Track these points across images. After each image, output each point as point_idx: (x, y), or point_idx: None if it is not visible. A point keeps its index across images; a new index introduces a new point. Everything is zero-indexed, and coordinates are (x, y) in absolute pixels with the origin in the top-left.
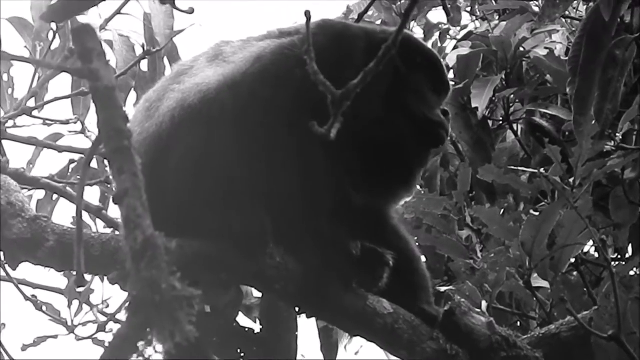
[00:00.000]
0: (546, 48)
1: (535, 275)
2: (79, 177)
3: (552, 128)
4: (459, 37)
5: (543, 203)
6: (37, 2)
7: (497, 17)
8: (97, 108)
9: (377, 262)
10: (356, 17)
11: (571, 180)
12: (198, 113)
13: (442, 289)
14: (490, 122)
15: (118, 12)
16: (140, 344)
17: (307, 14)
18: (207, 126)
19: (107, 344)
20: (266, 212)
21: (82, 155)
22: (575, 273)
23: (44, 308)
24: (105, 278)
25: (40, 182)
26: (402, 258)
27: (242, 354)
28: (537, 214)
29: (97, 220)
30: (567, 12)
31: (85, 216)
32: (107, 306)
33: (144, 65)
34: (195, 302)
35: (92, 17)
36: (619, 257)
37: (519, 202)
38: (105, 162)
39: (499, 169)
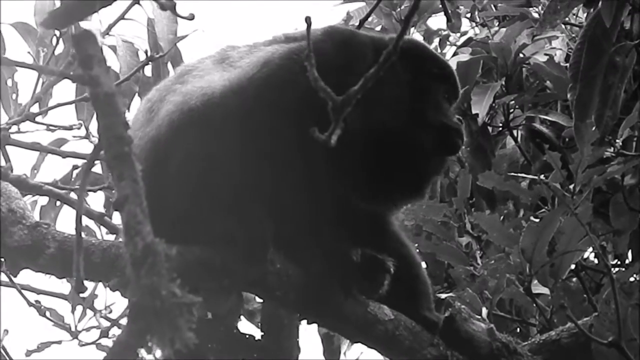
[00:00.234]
0: (546, 54)
1: (536, 281)
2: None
3: (552, 134)
4: (458, 43)
5: (543, 210)
6: (40, 8)
7: (497, 24)
8: (98, 114)
9: (377, 269)
10: (356, 24)
11: (571, 186)
12: (200, 116)
13: (443, 295)
14: (490, 129)
15: (122, 17)
16: (140, 350)
17: (308, 20)
18: (209, 130)
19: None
20: (267, 219)
21: (86, 161)
22: (575, 279)
23: (47, 313)
24: (107, 285)
25: (43, 189)
26: (402, 264)
27: None
28: (537, 220)
29: (101, 226)
30: (566, 19)
31: (90, 223)
32: (110, 312)
33: (148, 70)
34: (195, 309)
35: (94, 22)
36: (619, 263)
37: (519, 208)
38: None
39: (499, 175)
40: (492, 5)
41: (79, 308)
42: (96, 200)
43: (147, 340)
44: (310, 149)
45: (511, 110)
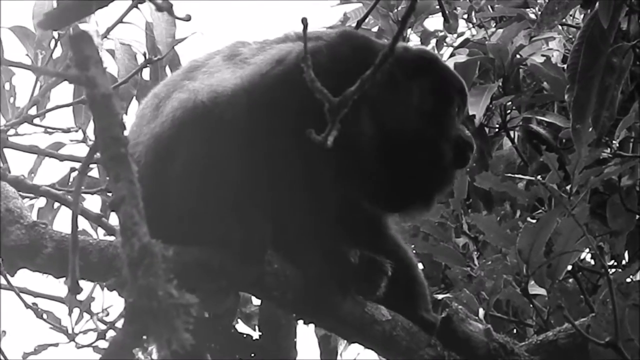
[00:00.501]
0: (543, 55)
1: (532, 282)
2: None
3: (549, 135)
4: (455, 44)
5: (540, 210)
6: (38, 10)
7: (494, 25)
8: (94, 116)
9: (375, 270)
10: (353, 24)
11: (568, 187)
12: (208, 114)
13: (440, 296)
14: (487, 130)
15: (120, 20)
16: (137, 351)
17: (304, 22)
18: (217, 128)
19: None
20: (267, 219)
21: (82, 162)
22: (572, 280)
23: (44, 316)
24: (104, 285)
25: (40, 190)
26: (399, 266)
27: None
28: (534, 221)
29: (98, 228)
30: (564, 20)
31: (86, 224)
32: (108, 314)
33: (146, 73)
34: (192, 310)
35: (91, 24)
36: (616, 264)
37: (516, 209)
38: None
39: (496, 176)
40: (489, 6)
41: (76, 311)
42: (93, 204)
43: (143, 341)
44: (322, 151)
45: (508, 111)
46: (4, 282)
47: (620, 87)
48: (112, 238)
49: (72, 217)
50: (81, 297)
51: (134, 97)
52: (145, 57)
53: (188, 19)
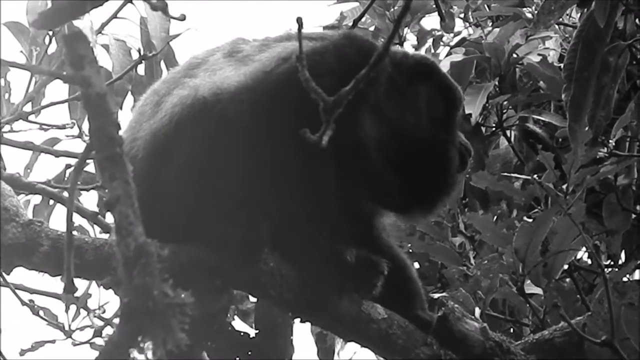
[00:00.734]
0: (539, 55)
1: (529, 281)
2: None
3: (545, 134)
4: (452, 43)
5: (536, 210)
6: (32, 7)
7: (490, 24)
8: (89, 115)
9: (372, 269)
10: (350, 24)
11: (564, 186)
12: (209, 110)
13: (436, 295)
14: (483, 129)
15: (114, 16)
16: (132, 350)
17: (299, 21)
18: (217, 125)
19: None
20: (264, 218)
21: (78, 160)
22: (568, 279)
23: (41, 313)
24: (100, 283)
25: (36, 187)
26: (394, 266)
27: (237, 359)
28: (530, 220)
29: (94, 226)
30: (560, 19)
31: (83, 222)
32: (104, 311)
33: (141, 69)
34: (188, 309)
35: (86, 22)
36: (612, 263)
37: (512, 208)
38: None
39: (492, 175)
40: (486, 6)
41: (73, 307)
42: (89, 200)
43: (139, 340)
44: (326, 151)
45: (504, 111)
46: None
47: (616, 87)
48: (107, 236)
49: (67, 214)
50: (78, 294)
51: (129, 93)
52: (140, 52)
53: (183, 18)
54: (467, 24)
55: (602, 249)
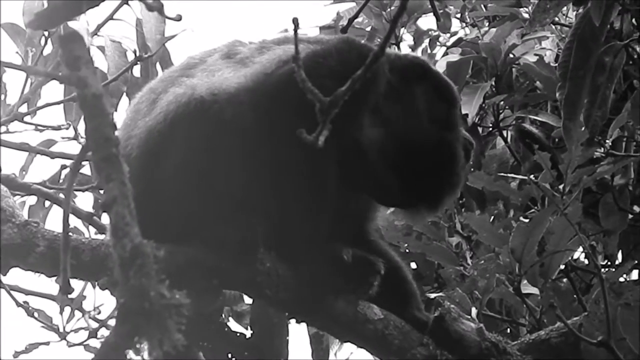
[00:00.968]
0: (536, 54)
1: (525, 281)
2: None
3: (541, 135)
4: (448, 43)
5: (533, 210)
6: (28, 8)
7: (486, 24)
8: (85, 116)
9: (368, 269)
10: (346, 23)
11: (561, 186)
12: (206, 110)
13: (432, 295)
14: (480, 129)
15: (110, 17)
16: (129, 351)
17: (295, 21)
18: (214, 125)
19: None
20: (260, 218)
21: (74, 161)
22: (565, 279)
23: (35, 314)
24: (97, 284)
25: (31, 188)
26: (389, 266)
27: (233, 359)
28: (526, 220)
29: (90, 227)
30: (556, 19)
31: (78, 223)
32: (99, 313)
33: (136, 70)
34: (184, 310)
35: (82, 23)
36: (609, 263)
37: (509, 208)
38: None
39: (489, 175)
40: (482, 6)
41: (68, 309)
42: (85, 201)
43: (135, 341)
44: (322, 152)
45: (501, 111)
46: None
47: (612, 87)
48: (103, 236)
49: (63, 215)
50: (72, 295)
51: (125, 94)
52: (135, 54)
53: (179, 19)
54: (464, 24)
55: (598, 249)
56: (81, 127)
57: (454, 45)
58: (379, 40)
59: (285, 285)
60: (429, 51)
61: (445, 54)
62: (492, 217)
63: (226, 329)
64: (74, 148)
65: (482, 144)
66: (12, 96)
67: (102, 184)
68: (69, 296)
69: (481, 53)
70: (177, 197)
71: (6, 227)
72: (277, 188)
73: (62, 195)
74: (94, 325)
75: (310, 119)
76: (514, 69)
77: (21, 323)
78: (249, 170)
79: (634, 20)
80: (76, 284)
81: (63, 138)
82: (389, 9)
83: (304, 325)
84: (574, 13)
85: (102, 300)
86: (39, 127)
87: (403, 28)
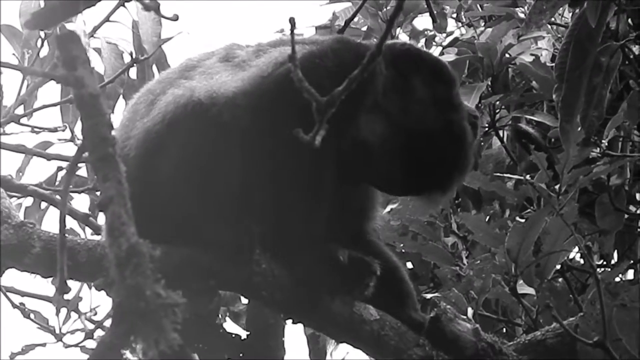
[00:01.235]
0: (532, 54)
1: (521, 281)
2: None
3: (538, 134)
4: (444, 43)
5: (529, 210)
6: (25, 9)
7: (482, 24)
8: (82, 115)
9: (364, 270)
10: (342, 24)
11: (557, 187)
12: (204, 112)
13: (428, 295)
14: None
15: (106, 19)
16: (125, 351)
17: (292, 21)
18: (212, 127)
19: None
20: (256, 219)
21: (70, 162)
22: (560, 280)
23: (31, 316)
24: (92, 285)
25: (28, 189)
26: (386, 267)
27: None
28: (522, 220)
29: (86, 228)
30: (552, 19)
31: (74, 224)
32: (95, 314)
33: (133, 72)
34: (180, 310)
35: (78, 23)
36: (605, 263)
37: (505, 209)
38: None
39: (485, 175)
40: (478, 5)
41: (64, 310)
42: (81, 203)
43: (131, 341)
44: (321, 152)
45: (497, 111)
46: None
47: (608, 87)
48: (99, 237)
49: (59, 216)
50: (69, 296)
51: (121, 96)
52: (132, 56)
53: (175, 18)
54: (460, 24)
55: (594, 249)
56: (78, 128)
57: (450, 45)
58: (375, 40)
59: (281, 286)
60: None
61: (441, 54)
62: (488, 217)
63: (222, 330)
64: (71, 150)
65: (478, 143)
66: (8, 98)
67: (98, 184)
68: (65, 297)
69: (477, 53)
70: (174, 197)
71: (2, 228)
72: (273, 189)
73: (58, 197)
74: (91, 326)
75: (307, 120)
76: (510, 69)
77: (17, 324)
78: (246, 171)
79: (629, 20)
80: (72, 285)
81: (60, 140)
82: (384, 9)
83: (300, 325)
84: (570, 13)
85: (98, 302)
86: (36, 129)
87: (399, 28)
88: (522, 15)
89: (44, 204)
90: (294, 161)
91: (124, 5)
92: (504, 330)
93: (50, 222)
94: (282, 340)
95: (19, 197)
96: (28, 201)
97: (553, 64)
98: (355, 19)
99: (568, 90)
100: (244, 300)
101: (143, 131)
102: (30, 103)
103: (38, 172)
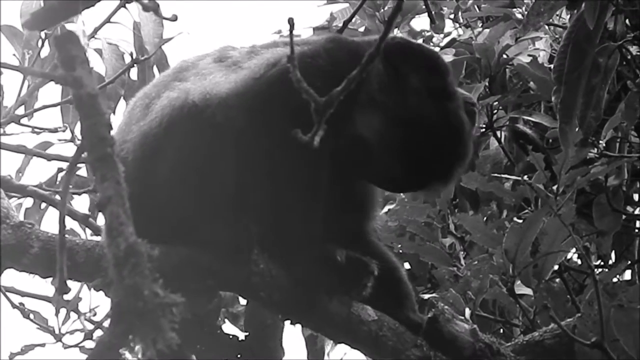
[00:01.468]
0: (529, 55)
1: (519, 282)
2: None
3: (535, 135)
4: (442, 44)
5: (526, 210)
6: (25, 10)
7: (480, 25)
8: (81, 116)
9: (362, 270)
10: (340, 24)
11: (554, 187)
12: (199, 114)
13: (426, 296)
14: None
15: (107, 20)
16: (123, 350)
17: (290, 22)
18: (207, 128)
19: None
20: (254, 220)
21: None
22: (558, 280)
23: (31, 316)
24: (91, 285)
25: (27, 190)
26: (384, 267)
27: None
28: (520, 221)
29: (86, 228)
30: (550, 20)
31: (74, 225)
32: (95, 314)
33: (133, 73)
34: (178, 309)
35: (78, 24)
36: (602, 264)
37: (503, 209)
38: None
39: (483, 176)
40: (476, 6)
41: (63, 311)
42: (81, 204)
43: (129, 340)
44: (315, 152)
45: (495, 111)
46: None
47: (606, 87)
48: (99, 238)
49: (59, 217)
50: (68, 297)
51: (122, 97)
52: (132, 57)
53: (174, 19)
54: (457, 25)
55: (592, 250)
56: (78, 129)
57: (448, 46)
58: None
59: (279, 287)
60: None
61: None
62: (486, 218)
63: (220, 331)
64: (71, 150)
65: (476, 144)
66: (9, 98)
67: (97, 184)
68: (65, 298)
69: (475, 54)
70: (172, 198)
71: (1, 229)
72: (270, 189)
73: (58, 197)
74: (90, 326)
75: (301, 120)
76: (507, 70)
77: (17, 324)
78: (242, 172)
79: (627, 21)
80: (72, 286)
81: (60, 140)
82: (382, 10)
83: (298, 326)
84: (567, 14)
85: (97, 302)
86: (36, 130)
87: (397, 29)
88: (519, 16)
89: (44, 205)
90: (290, 161)
91: (124, 7)
92: (502, 331)
93: (50, 223)
94: (280, 341)
95: (18, 198)
96: (28, 202)
97: (550, 65)
98: (353, 20)
99: (567, 92)
100: (243, 301)
101: (140, 134)
102: (30, 103)
103: (38, 172)
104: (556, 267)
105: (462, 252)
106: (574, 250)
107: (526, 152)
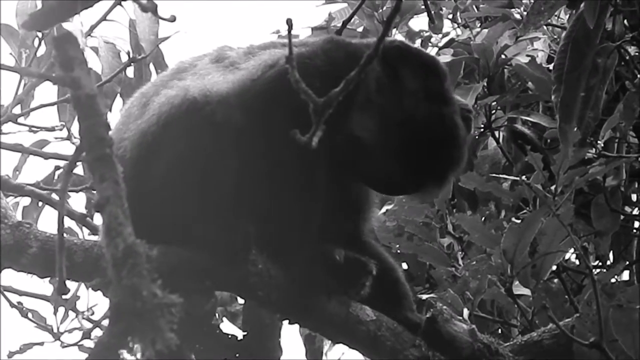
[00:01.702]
0: (528, 55)
1: (517, 282)
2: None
3: (533, 135)
4: (440, 44)
5: (525, 211)
6: (21, 9)
7: (478, 25)
8: (79, 116)
9: (360, 270)
10: (339, 25)
11: (553, 187)
12: (198, 111)
13: (424, 296)
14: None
15: (103, 18)
16: (122, 351)
17: (289, 22)
18: (206, 126)
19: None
20: (252, 219)
21: (68, 162)
22: (556, 280)
23: (29, 315)
24: (89, 285)
25: (25, 189)
26: (382, 267)
27: None
28: (518, 221)
29: (83, 227)
30: (549, 20)
31: (72, 224)
32: (93, 313)
33: (130, 71)
34: (177, 310)
35: (75, 24)
36: (601, 264)
37: (501, 209)
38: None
39: (481, 176)
40: (474, 7)
41: (62, 309)
42: (78, 202)
43: (128, 341)
44: (312, 153)
45: (493, 112)
46: None
47: (605, 88)
48: (96, 237)
49: (58, 217)
50: (66, 296)
51: (119, 95)
52: (129, 55)
53: (173, 19)
54: (456, 25)
55: (590, 250)
56: (75, 127)
57: (446, 46)
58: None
59: (277, 287)
60: None
61: (438, 54)
62: (484, 218)
63: (218, 331)
64: (68, 149)
65: (474, 144)
66: (5, 97)
67: (95, 184)
68: (63, 297)
69: (473, 54)
70: (170, 198)
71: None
72: (268, 189)
73: (55, 196)
74: (88, 325)
75: (299, 120)
76: (506, 70)
77: (15, 323)
78: (241, 171)
79: (625, 21)
80: (70, 285)
81: (57, 139)
82: (381, 10)
83: (296, 326)
84: (567, 15)
85: (95, 301)
86: (33, 128)
87: (395, 29)
88: (518, 17)
89: (41, 204)
90: (288, 161)
91: (120, 5)
92: (500, 331)
93: (46, 222)
94: (279, 340)
95: (16, 197)
96: (26, 201)
97: (549, 65)
98: (352, 20)
99: (566, 92)
100: (241, 301)
101: (138, 133)
102: (27, 102)
103: (35, 171)
104: (554, 268)
105: (460, 252)
106: (572, 250)
107: (524, 152)
